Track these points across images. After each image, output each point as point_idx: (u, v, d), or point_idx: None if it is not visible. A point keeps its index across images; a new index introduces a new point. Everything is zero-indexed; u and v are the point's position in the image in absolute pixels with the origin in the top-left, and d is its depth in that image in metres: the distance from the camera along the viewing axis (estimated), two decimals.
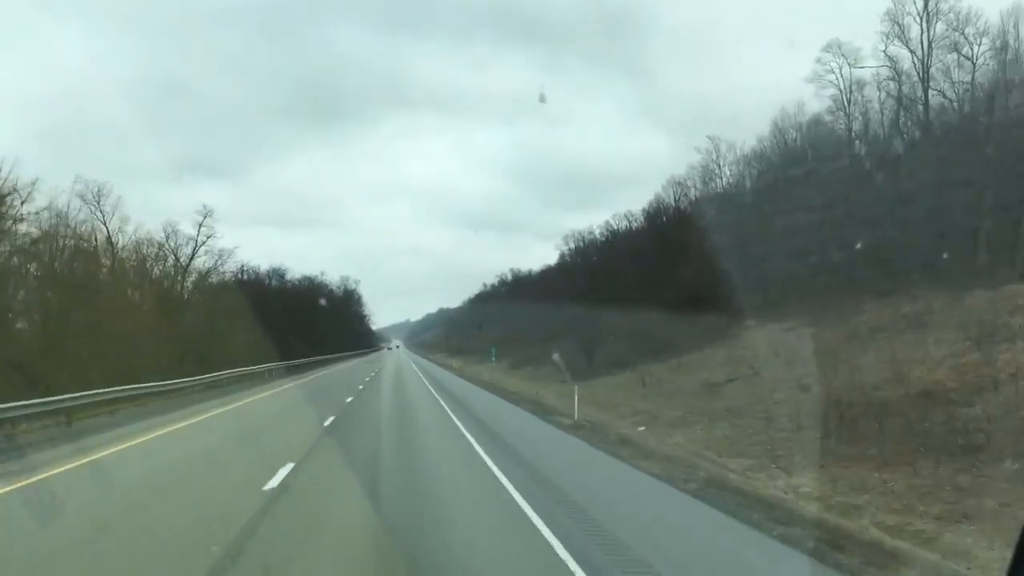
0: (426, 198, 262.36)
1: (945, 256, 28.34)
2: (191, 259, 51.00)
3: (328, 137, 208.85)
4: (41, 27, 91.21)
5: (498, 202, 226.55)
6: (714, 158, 55.47)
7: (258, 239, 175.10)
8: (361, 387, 34.44)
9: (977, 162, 31.04)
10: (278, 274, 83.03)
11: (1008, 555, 2.38)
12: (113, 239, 44.65)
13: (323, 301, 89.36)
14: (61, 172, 59.81)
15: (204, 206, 51.37)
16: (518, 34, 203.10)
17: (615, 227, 69.96)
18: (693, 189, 58.94)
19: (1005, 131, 31.73)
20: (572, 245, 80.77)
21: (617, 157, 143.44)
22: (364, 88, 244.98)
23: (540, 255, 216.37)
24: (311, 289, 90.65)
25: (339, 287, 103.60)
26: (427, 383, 40.36)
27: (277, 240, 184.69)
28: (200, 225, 50.94)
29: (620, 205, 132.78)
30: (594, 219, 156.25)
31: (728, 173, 55.72)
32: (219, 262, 52.57)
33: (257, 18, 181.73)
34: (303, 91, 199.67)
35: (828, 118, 44.61)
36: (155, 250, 48.36)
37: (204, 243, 51.32)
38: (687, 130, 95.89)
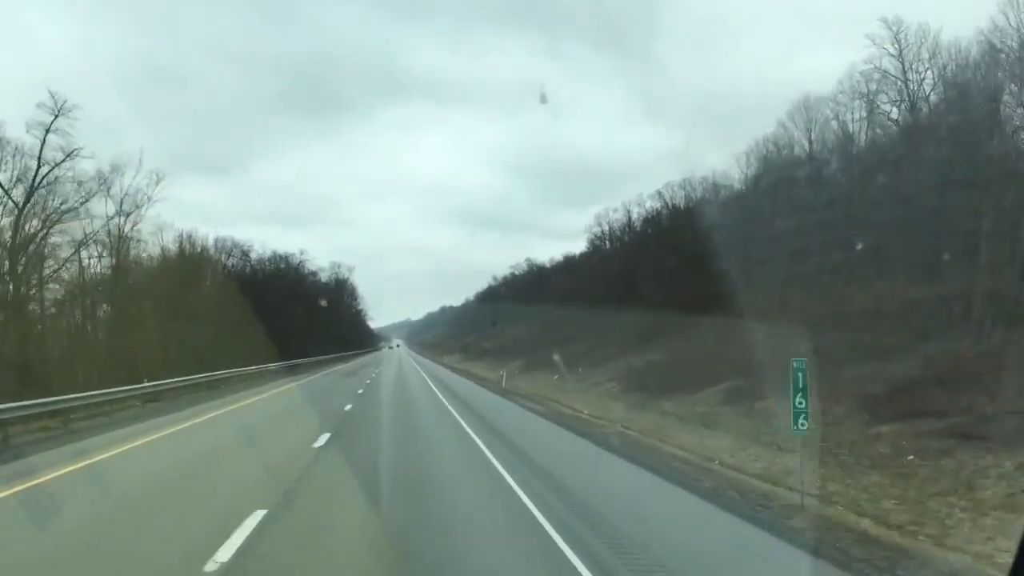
0: (425, 195, 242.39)
1: None
2: (31, 191, 28.49)
3: (324, 133, 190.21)
4: (22, 10, 73.41)
5: (498, 198, 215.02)
6: (895, 53, 32.91)
7: (253, 236, 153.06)
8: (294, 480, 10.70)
9: None
10: (239, 248, 60.03)
11: None
12: None
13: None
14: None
15: (52, 95, 28.14)
16: (520, 23, 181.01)
17: (668, 200, 53.15)
18: (859, 106, 35.70)
19: None
20: (606, 227, 64.64)
21: (623, 151, 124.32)
22: (361, 81, 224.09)
23: (543, 251, 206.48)
24: (282, 271, 68.08)
25: (330, 276, 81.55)
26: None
27: (272, 238, 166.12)
28: (47, 131, 28.36)
29: (626, 200, 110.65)
30: (600, 214, 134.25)
31: (919, 76, 32.91)
32: (80, 198, 30.02)
33: (249, 4, 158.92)
34: (299, 84, 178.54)
35: None
36: None
37: (58, 165, 28.98)
38: (703, 110, 75.01)
